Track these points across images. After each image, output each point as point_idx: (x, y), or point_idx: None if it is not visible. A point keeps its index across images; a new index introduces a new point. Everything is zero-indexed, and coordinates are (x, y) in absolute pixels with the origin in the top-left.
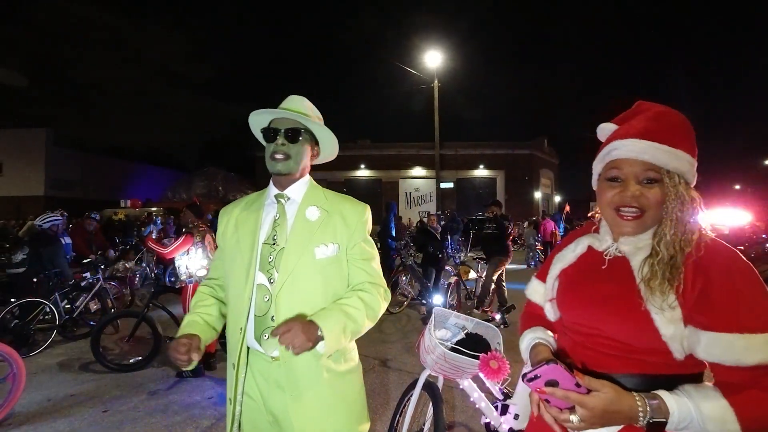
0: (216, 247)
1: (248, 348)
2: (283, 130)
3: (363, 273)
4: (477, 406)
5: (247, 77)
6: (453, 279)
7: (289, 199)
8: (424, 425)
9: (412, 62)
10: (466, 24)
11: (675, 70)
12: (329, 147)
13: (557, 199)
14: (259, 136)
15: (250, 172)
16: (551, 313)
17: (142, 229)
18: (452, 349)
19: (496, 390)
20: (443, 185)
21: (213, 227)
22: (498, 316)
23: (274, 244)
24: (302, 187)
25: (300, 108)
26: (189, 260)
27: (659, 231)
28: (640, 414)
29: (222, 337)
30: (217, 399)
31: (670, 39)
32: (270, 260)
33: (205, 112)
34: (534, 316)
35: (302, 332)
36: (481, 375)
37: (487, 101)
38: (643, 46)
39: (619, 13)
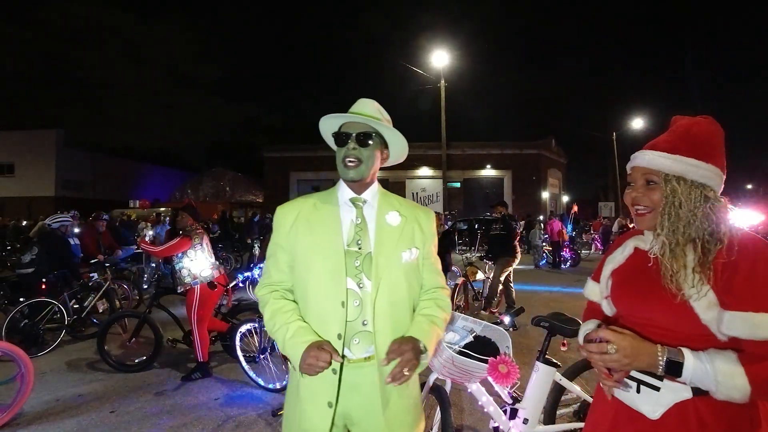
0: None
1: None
2: (354, 135)
3: (436, 276)
4: (485, 410)
5: (254, 77)
6: (460, 280)
7: (365, 202)
8: (432, 429)
9: (419, 62)
10: (473, 23)
11: (685, 68)
12: (398, 149)
13: (565, 199)
14: (330, 141)
15: (258, 173)
16: (607, 309)
17: (144, 230)
18: (460, 353)
19: (504, 394)
20: (450, 185)
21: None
22: (507, 319)
23: (359, 249)
24: (375, 191)
25: (370, 111)
26: (191, 263)
27: (659, 224)
28: (659, 354)
29: (224, 340)
30: (224, 400)
31: (679, 37)
32: (356, 265)
33: (213, 112)
34: (592, 312)
35: (414, 358)
36: (490, 379)
37: (494, 101)
38: (652, 44)
39: (628, 11)
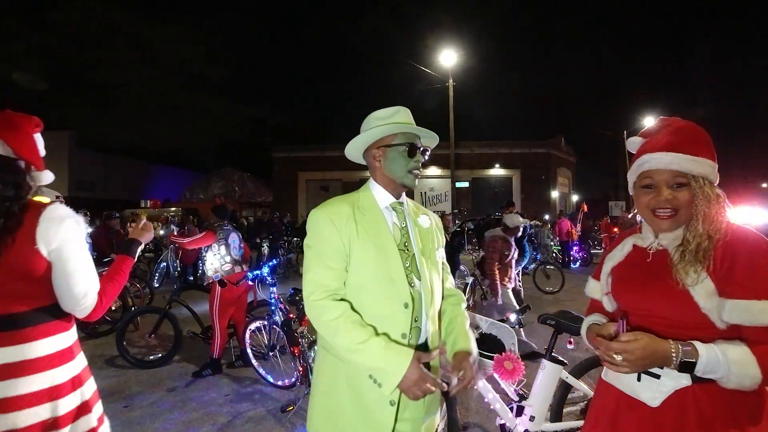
0: (241, 246)
1: None
2: (422, 150)
3: (450, 277)
4: (492, 407)
5: (262, 78)
6: (470, 280)
7: (402, 205)
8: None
9: (427, 61)
10: (481, 21)
11: (697, 66)
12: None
13: (575, 198)
14: (369, 136)
15: (266, 173)
16: (608, 305)
17: (169, 226)
18: None
19: (511, 391)
20: (458, 185)
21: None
22: (513, 317)
23: (407, 250)
24: (405, 195)
25: (412, 122)
26: (214, 257)
27: (691, 225)
28: (673, 355)
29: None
30: (234, 396)
31: (690, 34)
32: (407, 265)
33: (222, 112)
34: (593, 309)
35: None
36: (496, 376)
37: (502, 99)
38: (663, 41)
39: (637, 8)
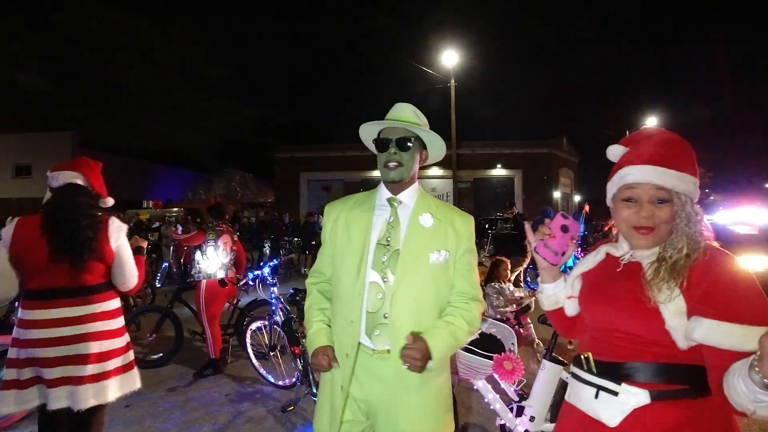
0: (232, 249)
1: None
2: (394, 140)
3: (467, 284)
4: (492, 407)
5: (262, 78)
6: None
7: (401, 203)
8: None
9: (428, 62)
10: (483, 21)
11: (701, 63)
12: (437, 149)
13: (577, 198)
14: (371, 146)
15: (268, 173)
16: (571, 309)
17: (169, 227)
18: (465, 349)
19: (511, 391)
20: (460, 185)
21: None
22: (512, 317)
23: (387, 245)
24: (413, 193)
25: (407, 115)
26: (200, 257)
27: (670, 242)
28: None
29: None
30: (234, 396)
31: (691, 34)
32: (384, 260)
33: (223, 112)
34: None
35: (421, 358)
36: (495, 376)
37: (504, 99)
38: (663, 41)
39: (638, 8)
